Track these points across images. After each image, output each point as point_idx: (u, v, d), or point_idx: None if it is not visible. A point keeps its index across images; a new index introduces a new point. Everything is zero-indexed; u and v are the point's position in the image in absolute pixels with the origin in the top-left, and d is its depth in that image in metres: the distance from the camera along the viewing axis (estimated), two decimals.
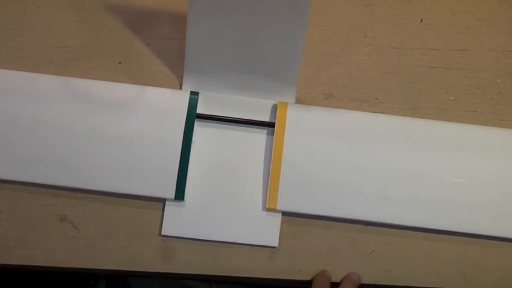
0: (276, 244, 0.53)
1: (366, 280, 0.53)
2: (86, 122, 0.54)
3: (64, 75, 0.57)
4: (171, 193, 0.53)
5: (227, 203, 0.54)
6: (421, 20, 0.63)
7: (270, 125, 0.56)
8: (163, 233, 0.53)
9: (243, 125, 0.56)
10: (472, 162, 0.55)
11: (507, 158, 0.56)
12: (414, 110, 0.59)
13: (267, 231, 0.54)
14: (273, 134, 0.55)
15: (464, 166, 0.55)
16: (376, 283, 0.53)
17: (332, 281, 0.53)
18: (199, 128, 0.56)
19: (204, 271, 0.53)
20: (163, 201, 0.54)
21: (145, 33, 0.61)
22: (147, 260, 0.53)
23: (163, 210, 0.54)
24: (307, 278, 0.53)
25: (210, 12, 0.52)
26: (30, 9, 0.61)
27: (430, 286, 0.54)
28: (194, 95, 0.56)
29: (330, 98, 0.59)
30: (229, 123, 0.56)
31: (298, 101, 0.58)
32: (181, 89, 0.58)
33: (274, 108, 0.56)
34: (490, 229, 0.54)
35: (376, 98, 0.59)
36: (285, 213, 0.54)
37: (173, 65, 0.59)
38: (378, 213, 0.53)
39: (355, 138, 0.55)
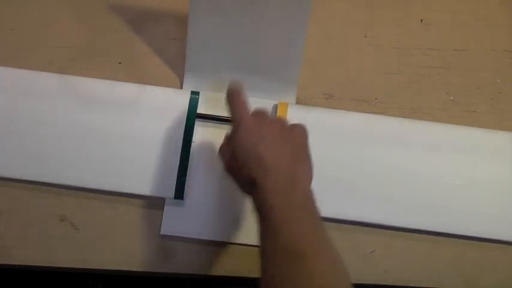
0: None
1: (366, 280, 0.53)
2: (86, 120, 0.54)
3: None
4: (170, 193, 0.53)
5: (227, 203, 0.54)
6: (421, 20, 0.63)
7: None
8: (162, 232, 0.53)
9: None
10: (472, 165, 0.55)
11: (507, 161, 0.56)
12: (414, 110, 0.59)
13: None
14: None
15: (464, 168, 0.55)
16: (376, 283, 0.53)
17: None
18: (199, 127, 0.56)
19: (203, 271, 0.53)
20: (163, 201, 0.54)
21: (145, 33, 0.61)
22: (147, 260, 0.53)
23: (163, 210, 0.54)
24: None
25: (211, 12, 0.52)
26: (30, 9, 0.61)
27: (430, 286, 0.53)
28: (195, 94, 0.56)
29: (330, 98, 0.59)
30: (229, 123, 0.56)
31: (298, 101, 0.58)
32: (181, 88, 0.58)
33: (275, 109, 0.56)
34: (489, 232, 0.54)
35: (376, 98, 0.59)
36: None
37: (173, 65, 0.59)
38: (377, 215, 0.53)
39: (355, 140, 0.55)
